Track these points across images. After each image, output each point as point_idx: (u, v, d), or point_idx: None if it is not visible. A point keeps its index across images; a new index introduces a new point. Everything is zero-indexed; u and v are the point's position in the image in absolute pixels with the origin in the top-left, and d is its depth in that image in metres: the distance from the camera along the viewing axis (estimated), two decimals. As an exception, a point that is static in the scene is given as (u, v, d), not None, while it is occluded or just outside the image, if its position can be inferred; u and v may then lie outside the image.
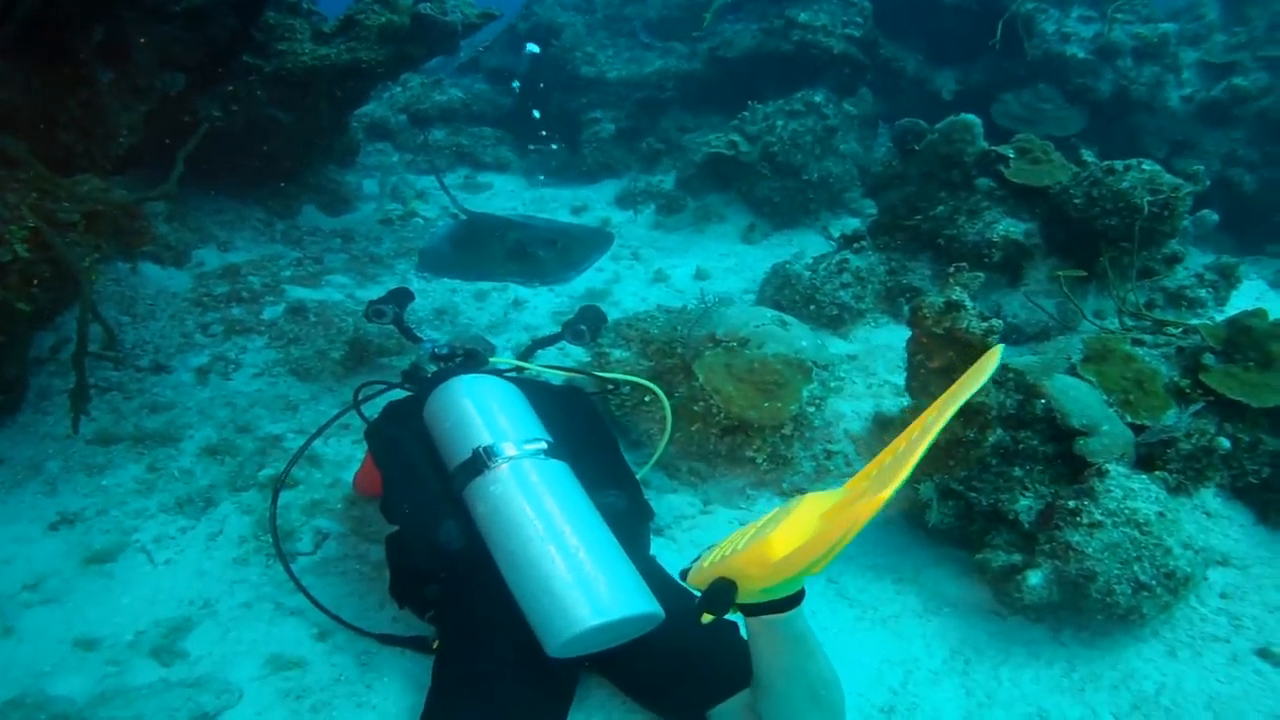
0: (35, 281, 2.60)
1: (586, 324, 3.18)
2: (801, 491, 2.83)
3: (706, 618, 1.55)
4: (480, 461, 2.09)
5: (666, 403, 2.80)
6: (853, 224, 5.44)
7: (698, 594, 1.61)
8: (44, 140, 3.02)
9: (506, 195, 6.40)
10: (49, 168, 2.73)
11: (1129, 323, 3.40)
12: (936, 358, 2.59)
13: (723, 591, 1.53)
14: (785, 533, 1.45)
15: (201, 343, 3.63)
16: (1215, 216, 4.99)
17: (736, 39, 6.93)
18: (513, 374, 2.77)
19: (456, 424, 2.24)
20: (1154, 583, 2.12)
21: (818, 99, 5.88)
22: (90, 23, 3.23)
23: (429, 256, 4.88)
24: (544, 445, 2.17)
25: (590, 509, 2.07)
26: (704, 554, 1.63)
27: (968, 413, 2.49)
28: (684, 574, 1.66)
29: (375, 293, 4.14)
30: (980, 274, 2.78)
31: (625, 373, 2.99)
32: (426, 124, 7.18)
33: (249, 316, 3.87)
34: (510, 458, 2.09)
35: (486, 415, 2.23)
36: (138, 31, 3.56)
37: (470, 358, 2.85)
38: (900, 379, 3.42)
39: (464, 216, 5.49)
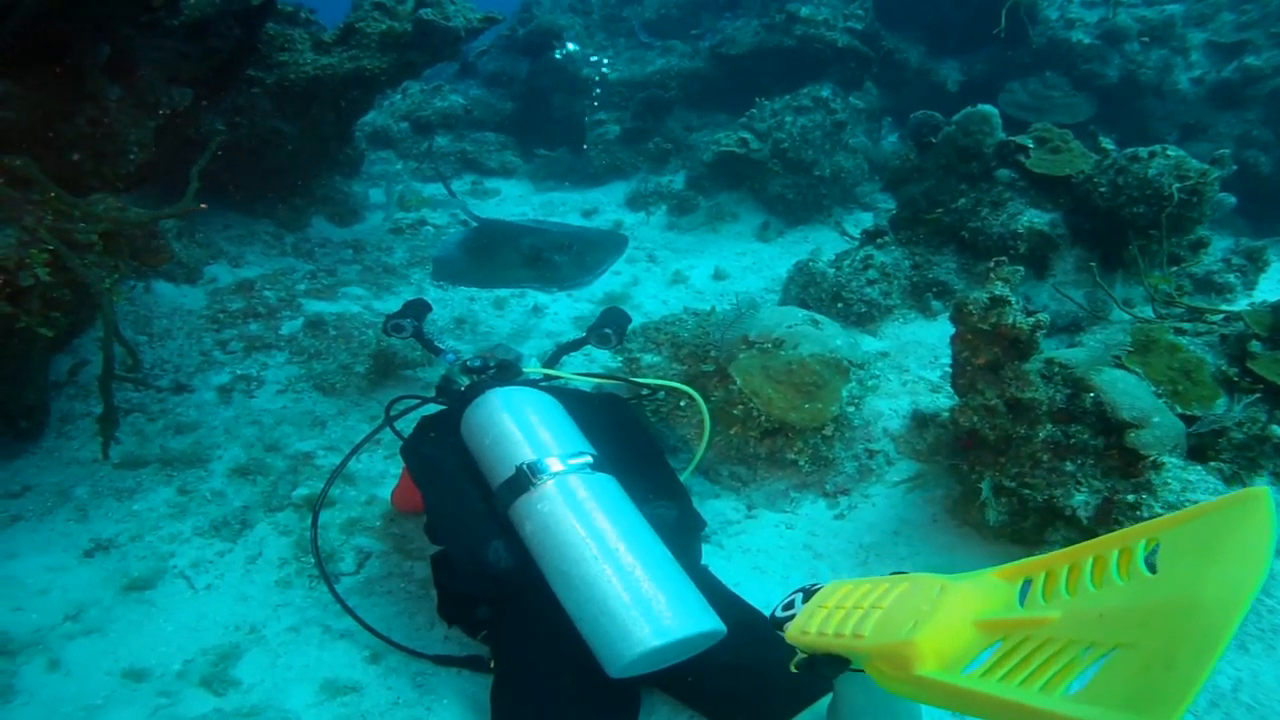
0: (56, 305, 2.55)
1: (611, 327, 3.10)
2: (846, 492, 2.80)
3: (795, 668, 1.46)
4: (524, 479, 2.05)
5: (704, 406, 2.75)
6: (866, 219, 5.41)
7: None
8: (54, 160, 2.96)
9: (515, 200, 6.35)
10: (61, 187, 2.68)
11: (1162, 310, 3.36)
12: (982, 354, 2.55)
13: (832, 666, 1.39)
14: (935, 640, 1.19)
15: (221, 360, 3.57)
16: (1232, 199, 4.93)
17: (738, 36, 6.90)
18: (546, 384, 2.72)
19: (496, 440, 2.19)
20: (1222, 577, 2.07)
21: (825, 94, 5.85)
22: (95, 40, 3.17)
23: (443, 265, 4.81)
24: (589, 459, 2.13)
25: (642, 523, 2.03)
26: (799, 603, 1.52)
27: (1018, 409, 2.45)
28: (776, 622, 1.55)
29: (392, 303, 4.09)
30: (1020, 267, 2.75)
31: (659, 378, 2.93)
32: (429, 131, 7.12)
33: (267, 332, 3.82)
34: (555, 474, 2.05)
35: (527, 430, 2.18)
36: (143, 47, 3.50)
37: (503, 369, 2.78)
38: (933, 374, 3.39)
39: (474, 223, 5.43)
